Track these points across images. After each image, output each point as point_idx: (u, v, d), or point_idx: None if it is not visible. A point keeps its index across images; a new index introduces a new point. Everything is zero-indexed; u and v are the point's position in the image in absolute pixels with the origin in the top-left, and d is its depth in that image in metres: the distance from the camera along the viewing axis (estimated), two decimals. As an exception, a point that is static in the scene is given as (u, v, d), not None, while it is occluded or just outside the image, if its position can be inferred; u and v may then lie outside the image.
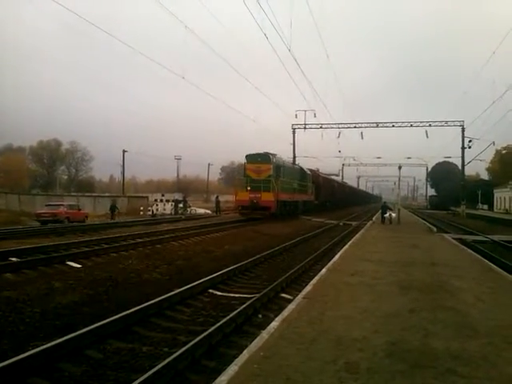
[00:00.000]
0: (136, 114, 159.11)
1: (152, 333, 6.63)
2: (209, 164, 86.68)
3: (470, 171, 67.80)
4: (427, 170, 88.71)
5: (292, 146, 49.45)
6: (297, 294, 7.73)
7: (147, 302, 7.64)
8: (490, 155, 76.32)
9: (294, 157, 48.74)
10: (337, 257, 11.97)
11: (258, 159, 29.92)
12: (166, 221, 30.31)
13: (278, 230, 23.49)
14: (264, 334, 5.14)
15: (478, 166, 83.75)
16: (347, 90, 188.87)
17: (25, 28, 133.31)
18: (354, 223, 31.28)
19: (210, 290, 9.48)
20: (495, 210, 69.04)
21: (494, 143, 44.69)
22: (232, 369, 4.11)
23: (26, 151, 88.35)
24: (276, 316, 6.25)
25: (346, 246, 14.65)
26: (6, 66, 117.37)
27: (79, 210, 31.13)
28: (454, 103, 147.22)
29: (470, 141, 44.13)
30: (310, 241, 20.18)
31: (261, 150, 30.82)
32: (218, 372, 4.38)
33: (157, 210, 42.62)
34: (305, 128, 47.98)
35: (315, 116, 44.51)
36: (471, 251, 14.52)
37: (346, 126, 48.06)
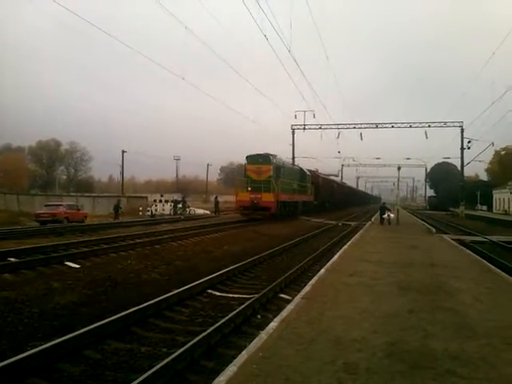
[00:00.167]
0: (136, 114, 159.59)
1: (151, 333, 6.62)
2: (208, 164, 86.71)
3: (469, 172, 67.93)
4: (426, 170, 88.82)
5: (291, 147, 49.52)
6: (296, 295, 7.73)
7: (146, 302, 7.62)
8: (489, 156, 76.58)
9: (294, 157, 48.77)
10: (336, 257, 11.97)
11: (259, 160, 30.12)
12: (165, 221, 30.31)
13: (278, 231, 23.48)
14: (263, 335, 5.14)
15: (477, 167, 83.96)
16: (347, 91, 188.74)
17: (24, 28, 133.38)
18: (352, 224, 31.29)
19: (209, 291, 9.47)
20: (494, 210, 69.11)
21: (493, 144, 44.80)
22: (231, 369, 4.10)
23: (25, 151, 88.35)
24: (275, 316, 6.24)
25: (345, 247, 14.65)
26: (5, 66, 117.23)
27: (78, 210, 31.12)
28: (453, 104, 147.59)
29: (469, 142, 44.18)
30: (309, 241, 20.18)
31: (260, 151, 31.08)
32: (217, 372, 4.37)
33: (156, 210, 42.62)
34: (304, 128, 48.01)
35: (314, 117, 44.63)
36: (470, 252, 14.52)
37: (345, 126, 48.08)
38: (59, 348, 5.39)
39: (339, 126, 47.87)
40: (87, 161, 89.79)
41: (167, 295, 8.24)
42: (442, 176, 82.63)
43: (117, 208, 35.51)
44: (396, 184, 36.67)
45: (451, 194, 66.42)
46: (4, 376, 4.62)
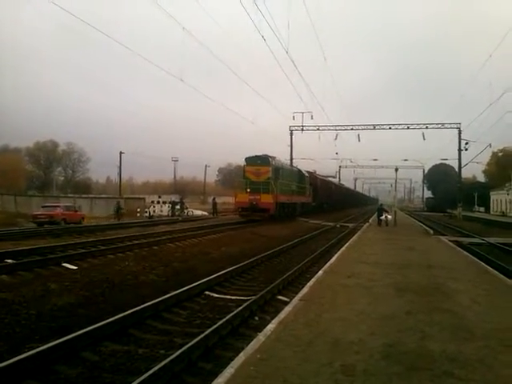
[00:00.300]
0: (134, 115, 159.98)
1: (148, 335, 6.61)
2: (206, 165, 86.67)
3: (466, 173, 68.09)
4: (424, 172, 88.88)
5: (289, 148, 49.56)
6: (293, 296, 7.73)
7: (143, 304, 7.61)
8: (486, 158, 76.73)
9: (292, 159, 48.81)
10: (333, 259, 11.97)
11: (258, 162, 30.29)
12: (163, 222, 30.29)
13: (276, 232, 23.49)
14: (260, 337, 5.13)
15: (474, 169, 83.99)
16: (345, 92, 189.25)
17: (23, 28, 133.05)
18: (350, 225, 31.33)
19: (207, 292, 9.46)
20: (491, 212, 69.31)
21: (490, 146, 44.86)
22: (228, 371, 4.10)
23: (22, 152, 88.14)
24: (273, 318, 6.24)
25: (343, 248, 14.66)
26: (4, 66, 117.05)
27: (76, 211, 31.07)
28: (451, 106, 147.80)
29: (466, 143, 44.26)
30: (307, 243, 20.19)
31: (258, 152, 31.30)
32: (215, 374, 4.37)
33: (153, 211, 42.58)
34: (302, 130, 48.02)
35: (312, 118, 44.67)
36: (467, 253, 14.56)
37: (343, 127, 48.12)
38: (56, 350, 5.38)
39: (337, 128, 47.92)
40: (85, 162, 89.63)
41: (165, 297, 8.22)
42: (440, 177, 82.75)
43: (118, 209, 35.72)
44: (393, 185, 36.69)
45: (449, 195, 66.56)
46: (1, 378, 4.60)
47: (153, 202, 46.12)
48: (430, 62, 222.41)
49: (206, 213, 46.13)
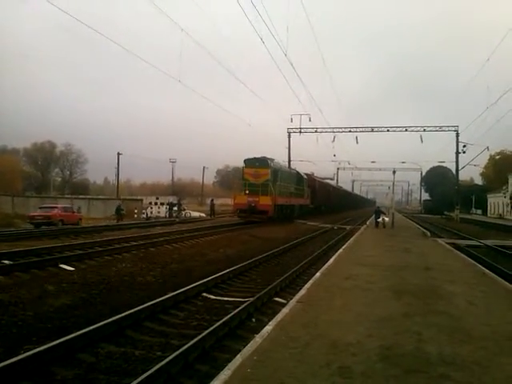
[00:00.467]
0: (132, 115, 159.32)
1: (145, 336, 6.59)
2: (204, 167, 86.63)
3: (464, 176, 68.36)
4: (421, 174, 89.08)
5: (287, 150, 49.60)
6: (291, 298, 7.74)
7: (140, 305, 7.60)
8: (483, 160, 76.88)
9: (290, 161, 48.84)
10: (331, 260, 11.98)
11: (256, 164, 30.40)
12: (161, 224, 30.26)
13: (273, 234, 23.47)
14: (257, 338, 5.13)
15: (472, 171, 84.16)
16: (343, 95, 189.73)
17: (21, 28, 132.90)
18: (348, 227, 31.33)
19: (204, 294, 9.45)
20: (489, 214, 69.49)
21: (487, 148, 44.99)
22: (225, 373, 4.10)
23: (19, 153, 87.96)
24: (270, 320, 6.23)
25: (340, 250, 14.67)
26: (3, 67, 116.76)
27: (73, 212, 31.00)
28: (449, 109, 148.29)
29: (464, 146, 44.39)
30: (305, 244, 20.18)
31: (256, 154, 31.35)
32: (212, 376, 4.37)
33: (151, 212, 42.53)
34: (300, 132, 48.08)
35: (310, 120, 44.72)
36: (464, 256, 14.58)
37: (341, 130, 48.20)
38: (53, 351, 5.36)
39: (335, 130, 47.99)
40: (82, 163, 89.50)
41: (162, 298, 8.21)
42: (437, 180, 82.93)
43: (119, 210, 35.97)
44: (391, 188, 36.75)
45: (446, 197, 66.78)
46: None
47: (150, 203, 46.05)
48: (428, 66, 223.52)
49: (203, 214, 46.11)
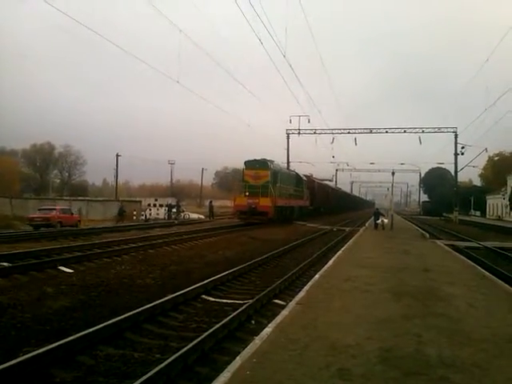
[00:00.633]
0: (130, 117, 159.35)
1: (144, 339, 6.58)
2: (203, 169, 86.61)
3: (462, 177, 68.39)
4: (420, 175, 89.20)
5: (286, 151, 49.65)
6: (290, 300, 7.72)
7: (140, 307, 7.59)
8: (482, 162, 77.10)
9: (288, 162, 48.91)
10: (330, 262, 11.97)
11: (256, 165, 30.65)
12: (159, 225, 30.25)
13: (272, 236, 23.47)
14: (257, 341, 5.12)
15: (470, 173, 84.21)
16: (342, 97, 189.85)
17: (19, 29, 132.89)
18: (347, 229, 31.34)
19: (203, 296, 9.43)
20: (487, 216, 69.60)
21: (486, 150, 45.18)
22: (225, 375, 4.09)
23: (18, 154, 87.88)
24: (269, 322, 6.23)
25: (340, 252, 14.66)
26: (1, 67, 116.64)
27: (72, 214, 30.97)
28: (447, 110, 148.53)
29: (462, 147, 44.54)
30: (305, 246, 20.18)
31: (255, 155, 31.64)
32: (211, 379, 4.36)
33: (150, 214, 42.52)
34: (299, 133, 48.21)
35: (309, 121, 44.81)
36: (464, 257, 14.59)
37: (339, 131, 48.31)
38: (52, 353, 5.35)
39: (334, 131, 48.14)
40: (81, 164, 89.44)
41: (161, 300, 8.19)
42: (436, 181, 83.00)
43: (121, 212, 36.39)
44: (390, 189, 36.79)
45: (445, 199, 66.78)
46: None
47: (149, 204, 46.05)
48: (427, 67, 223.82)
49: (202, 216, 46.11)
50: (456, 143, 45.69)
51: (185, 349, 5.58)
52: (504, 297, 8.08)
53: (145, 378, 4.67)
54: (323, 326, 5.70)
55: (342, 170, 77.40)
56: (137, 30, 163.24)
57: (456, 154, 45.92)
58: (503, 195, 63.69)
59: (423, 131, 45.74)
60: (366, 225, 31.98)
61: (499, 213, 65.32)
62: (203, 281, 10.15)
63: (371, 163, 68.20)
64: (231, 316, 7.29)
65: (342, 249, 15.75)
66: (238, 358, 4.58)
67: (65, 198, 59.12)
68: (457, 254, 15.80)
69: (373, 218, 29.67)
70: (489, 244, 21.13)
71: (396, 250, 15.33)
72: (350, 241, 19.37)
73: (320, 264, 13.07)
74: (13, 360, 4.99)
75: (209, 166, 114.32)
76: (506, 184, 62.91)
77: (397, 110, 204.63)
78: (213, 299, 9.34)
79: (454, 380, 4.03)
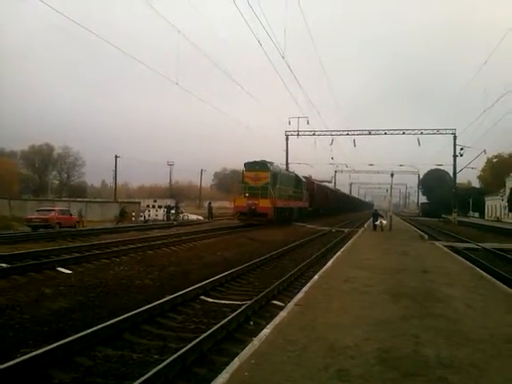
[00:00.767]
0: (129, 118, 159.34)
1: (143, 340, 6.57)
2: (202, 170, 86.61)
3: (461, 179, 68.47)
4: (419, 177, 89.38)
5: (285, 153, 49.69)
6: (289, 301, 7.73)
7: (138, 308, 7.58)
8: (481, 163, 77.25)
9: (287, 163, 48.95)
10: (329, 263, 11.98)
11: (256, 167, 30.85)
12: (158, 227, 30.24)
13: (271, 237, 23.47)
14: (255, 342, 5.13)
15: (469, 174, 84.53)
16: (341, 98, 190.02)
17: (17, 29, 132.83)
18: (346, 230, 31.35)
19: (202, 297, 9.42)
20: (486, 217, 69.71)
21: (485, 151, 45.20)
22: (223, 376, 4.09)
23: (17, 155, 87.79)
24: (268, 323, 6.23)
25: (339, 253, 14.67)
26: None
27: (71, 215, 30.95)
28: (446, 112, 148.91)
29: (461, 149, 44.54)
30: (303, 247, 20.17)
31: (254, 157, 31.97)
32: (209, 380, 4.36)
33: (149, 215, 42.52)
34: (298, 135, 48.22)
35: (308, 123, 44.85)
36: (462, 259, 14.60)
37: (338, 133, 48.33)
38: (50, 354, 5.34)
39: (333, 133, 48.18)
40: (80, 166, 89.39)
41: (160, 301, 8.18)
42: (435, 183, 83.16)
43: (123, 213, 36.96)
44: (389, 190, 36.82)
45: (444, 200, 66.84)
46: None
47: (148, 206, 46.05)
48: (426, 69, 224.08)
49: (201, 217, 46.11)
50: (455, 145, 45.73)
51: (183, 350, 5.57)
52: (502, 298, 8.09)
53: (143, 378, 4.66)
54: (322, 327, 5.70)
55: (341, 171, 77.54)
56: (135, 30, 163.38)
57: (455, 156, 45.96)
58: (502, 197, 63.80)
59: (422, 133, 45.80)
60: (365, 226, 32.02)
61: (498, 214, 65.45)
62: (202, 282, 10.14)
63: (370, 165, 68.18)
64: (230, 317, 7.29)
65: (341, 250, 15.75)
66: (236, 359, 4.58)
67: (63, 199, 59.15)
68: (455, 255, 15.82)
69: (371, 219, 29.69)
70: (487, 245, 21.17)
71: (394, 252, 15.34)
72: (349, 242, 19.37)
73: (319, 265, 13.07)
74: (11, 361, 4.98)
75: (208, 168, 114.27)
76: (505, 185, 63.05)
77: (396, 111, 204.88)
78: (211, 300, 9.33)
79: (452, 380, 4.04)
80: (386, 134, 47.69)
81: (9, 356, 5.43)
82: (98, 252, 14.70)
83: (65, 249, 15.20)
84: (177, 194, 75.39)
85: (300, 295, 7.76)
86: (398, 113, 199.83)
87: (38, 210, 29.85)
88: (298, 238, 23.12)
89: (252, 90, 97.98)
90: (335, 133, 48.16)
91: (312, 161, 75.96)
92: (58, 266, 11.67)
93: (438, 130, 46.48)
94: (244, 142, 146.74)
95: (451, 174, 51.60)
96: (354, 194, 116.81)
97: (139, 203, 48.64)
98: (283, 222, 32.60)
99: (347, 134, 47.95)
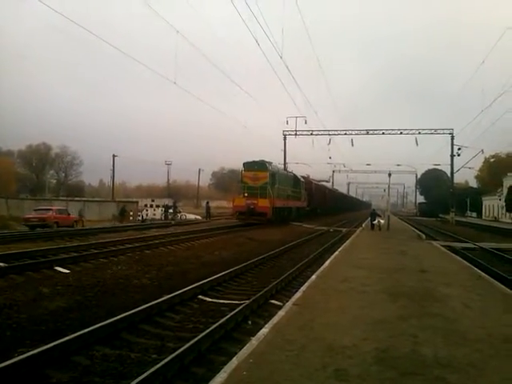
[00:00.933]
0: (127, 117, 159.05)
1: (141, 339, 6.56)
2: (200, 169, 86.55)
3: (459, 179, 68.70)
4: (417, 177, 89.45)
5: (283, 152, 49.69)
6: (287, 301, 7.73)
7: (136, 307, 7.57)
8: (478, 163, 77.33)
9: (285, 163, 48.98)
10: (327, 263, 11.98)
11: (255, 167, 31.00)
12: (156, 226, 30.21)
13: (269, 236, 23.48)
14: (253, 341, 5.13)
15: (466, 174, 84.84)
16: (338, 98, 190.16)
17: (16, 29, 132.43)
18: (344, 230, 31.38)
19: (200, 296, 9.42)
20: (484, 217, 69.85)
21: (482, 151, 45.30)
22: (221, 376, 4.09)
23: (14, 155, 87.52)
24: (266, 323, 6.23)
25: (336, 253, 14.68)
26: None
27: (69, 214, 30.87)
28: (444, 112, 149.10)
29: (459, 149, 44.68)
30: (301, 247, 20.18)
31: (252, 156, 32.05)
32: (207, 379, 4.35)
33: (147, 215, 42.48)
34: (296, 134, 48.21)
35: (306, 123, 44.86)
36: (460, 258, 14.63)
37: (336, 132, 48.35)
38: (47, 354, 5.33)
39: (330, 133, 48.16)
40: (78, 165, 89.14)
41: (157, 301, 8.18)
42: (432, 183, 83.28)
43: (123, 212, 37.26)
44: (387, 190, 36.87)
45: (441, 200, 67.03)
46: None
47: (146, 205, 46.02)
48: (424, 69, 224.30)
49: (199, 217, 46.08)
50: (452, 145, 45.85)
51: (181, 349, 5.57)
52: (499, 297, 8.11)
53: (141, 378, 4.66)
54: (320, 327, 5.70)
55: (339, 171, 77.63)
56: (133, 30, 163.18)
57: (452, 156, 46.08)
58: (499, 196, 63.91)
59: (420, 133, 45.82)
60: (363, 225, 32.06)
61: (495, 214, 65.58)
62: (200, 281, 10.13)
63: (368, 164, 68.39)
64: (228, 316, 7.28)
65: (339, 249, 15.77)
66: (234, 358, 4.58)
67: (61, 198, 58.97)
68: (453, 254, 15.84)
69: (369, 218, 29.74)
70: (485, 245, 21.20)
71: (392, 251, 15.36)
72: (347, 241, 19.39)
73: (317, 265, 13.08)
74: (8, 361, 4.97)
75: (206, 167, 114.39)
76: (502, 185, 63.12)
77: (393, 111, 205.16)
78: (209, 299, 9.32)
79: (450, 380, 4.04)
80: (383, 133, 47.74)
81: (6, 355, 5.42)
82: (95, 251, 14.66)
83: (62, 248, 15.16)
84: (175, 193, 75.41)
85: (298, 295, 7.77)
86: (396, 113, 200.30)
87: (35, 210, 29.79)
88: (296, 238, 23.12)
89: (250, 90, 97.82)
90: (333, 132, 48.19)
91: (310, 160, 75.92)
92: (56, 266, 11.63)
93: (435, 129, 46.56)
94: (242, 142, 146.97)
95: (449, 174, 51.75)
96: (352, 194, 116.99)
97: (137, 202, 48.59)
98: (281, 221, 32.71)
99: (345, 134, 47.98)
